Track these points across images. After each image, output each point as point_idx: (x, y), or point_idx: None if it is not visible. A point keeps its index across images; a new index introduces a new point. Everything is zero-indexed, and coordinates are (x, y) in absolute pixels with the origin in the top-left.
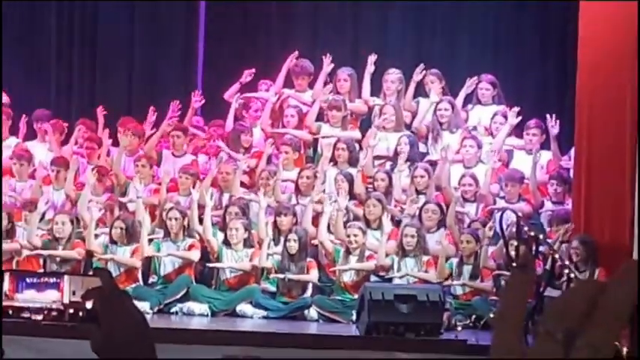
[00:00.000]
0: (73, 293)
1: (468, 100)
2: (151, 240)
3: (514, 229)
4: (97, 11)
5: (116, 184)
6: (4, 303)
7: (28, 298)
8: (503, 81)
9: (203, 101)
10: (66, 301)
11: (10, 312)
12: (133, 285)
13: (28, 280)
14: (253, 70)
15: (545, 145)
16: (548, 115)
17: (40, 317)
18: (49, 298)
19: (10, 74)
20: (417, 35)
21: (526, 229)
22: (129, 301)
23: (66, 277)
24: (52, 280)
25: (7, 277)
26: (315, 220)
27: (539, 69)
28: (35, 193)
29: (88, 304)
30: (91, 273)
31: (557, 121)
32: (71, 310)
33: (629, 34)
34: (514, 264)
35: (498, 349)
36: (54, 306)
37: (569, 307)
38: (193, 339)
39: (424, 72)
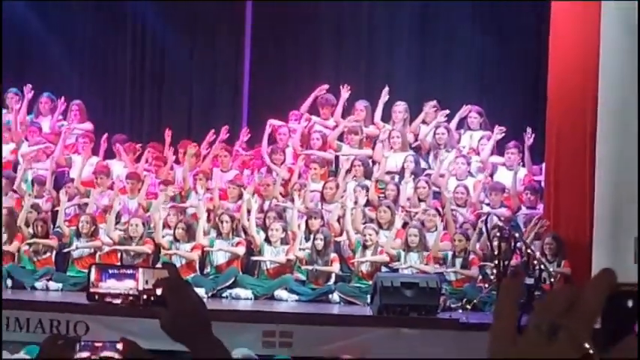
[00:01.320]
0: (146, 282)
1: (460, 125)
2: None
3: (497, 230)
4: (163, 52)
5: (180, 191)
6: (92, 290)
7: (110, 286)
8: (486, 108)
9: (249, 135)
10: (140, 288)
11: (96, 297)
12: (192, 275)
13: (110, 271)
14: (310, 118)
15: (522, 162)
16: (529, 129)
17: (119, 301)
18: (126, 286)
19: (93, 104)
20: (419, 72)
21: (506, 229)
22: (190, 289)
23: (140, 269)
24: (129, 271)
25: (93, 269)
26: (339, 222)
27: (516, 100)
28: (112, 201)
29: (158, 291)
30: (159, 266)
31: (533, 135)
32: (144, 296)
33: (590, 79)
34: (497, 260)
35: (498, 338)
36: (130, 292)
37: (552, 305)
38: (240, 318)
39: (429, 104)
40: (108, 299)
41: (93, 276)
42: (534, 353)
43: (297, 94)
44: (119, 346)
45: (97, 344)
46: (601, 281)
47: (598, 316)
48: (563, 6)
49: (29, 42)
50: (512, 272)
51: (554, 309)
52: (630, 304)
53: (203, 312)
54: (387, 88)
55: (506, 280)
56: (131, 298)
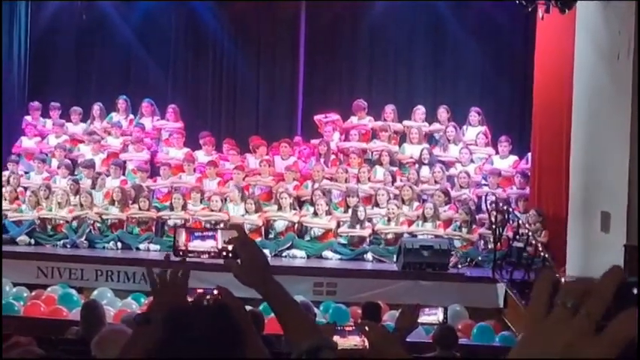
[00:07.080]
0: (224, 242)
1: (463, 122)
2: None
3: (494, 205)
4: (236, 69)
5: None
6: (182, 248)
7: (197, 245)
8: (485, 109)
9: (300, 139)
10: (219, 246)
11: (181, 253)
12: (259, 239)
13: (196, 234)
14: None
15: (512, 151)
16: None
17: (205, 257)
18: (208, 245)
19: (183, 109)
20: (432, 82)
21: (501, 204)
22: (255, 244)
23: (219, 231)
24: (211, 233)
25: (183, 232)
26: (371, 198)
27: (508, 102)
28: (197, 182)
29: (230, 247)
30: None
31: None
32: (224, 253)
33: (566, 87)
34: (494, 226)
35: (532, 314)
36: (211, 249)
37: (575, 289)
38: (296, 272)
39: (440, 107)
40: (192, 255)
41: (183, 237)
42: (561, 324)
43: (339, 99)
44: (215, 292)
45: (198, 290)
46: (613, 275)
47: (609, 300)
48: (545, 28)
49: (135, 62)
50: (547, 267)
51: (576, 292)
52: (635, 291)
53: (265, 261)
54: (421, 107)
55: (543, 270)
56: (212, 254)
